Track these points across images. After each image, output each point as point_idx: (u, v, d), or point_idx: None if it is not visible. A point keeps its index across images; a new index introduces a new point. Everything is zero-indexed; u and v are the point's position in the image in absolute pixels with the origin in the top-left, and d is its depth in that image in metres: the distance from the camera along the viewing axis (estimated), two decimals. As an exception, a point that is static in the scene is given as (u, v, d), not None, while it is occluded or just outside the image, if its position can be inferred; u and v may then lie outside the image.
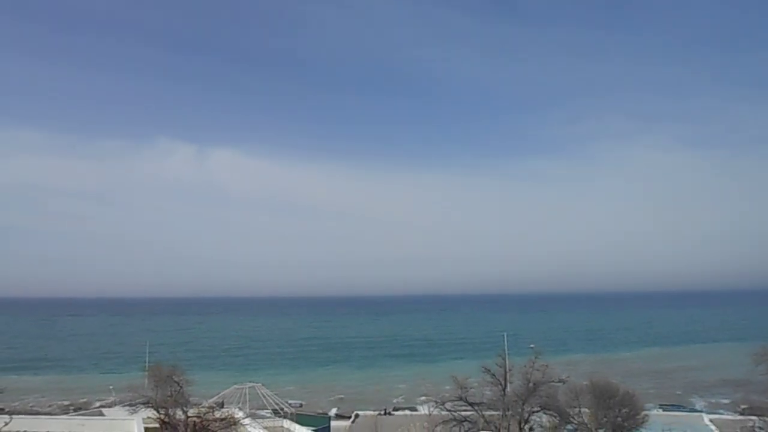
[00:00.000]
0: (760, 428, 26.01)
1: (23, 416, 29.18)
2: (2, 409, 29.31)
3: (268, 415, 54.05)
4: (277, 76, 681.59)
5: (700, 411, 61.53)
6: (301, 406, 67.40)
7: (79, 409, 62.29)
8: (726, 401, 72.63)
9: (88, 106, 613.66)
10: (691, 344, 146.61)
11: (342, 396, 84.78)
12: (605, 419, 43.65)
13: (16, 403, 62.13)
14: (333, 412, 69.73)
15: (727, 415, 54.52)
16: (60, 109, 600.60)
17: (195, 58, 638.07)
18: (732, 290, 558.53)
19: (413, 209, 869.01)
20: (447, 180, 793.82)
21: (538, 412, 39.88)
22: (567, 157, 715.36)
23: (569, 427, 42.48)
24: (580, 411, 44.19)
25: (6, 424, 15.12)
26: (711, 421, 51.08)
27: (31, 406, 65.55)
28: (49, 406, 70.43)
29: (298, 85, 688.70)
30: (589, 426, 42.31)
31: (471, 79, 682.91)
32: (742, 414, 42.51)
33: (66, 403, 72.16)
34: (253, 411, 51.04)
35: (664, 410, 59.65)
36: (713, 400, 76.11)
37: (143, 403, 32.18)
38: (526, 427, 38.66)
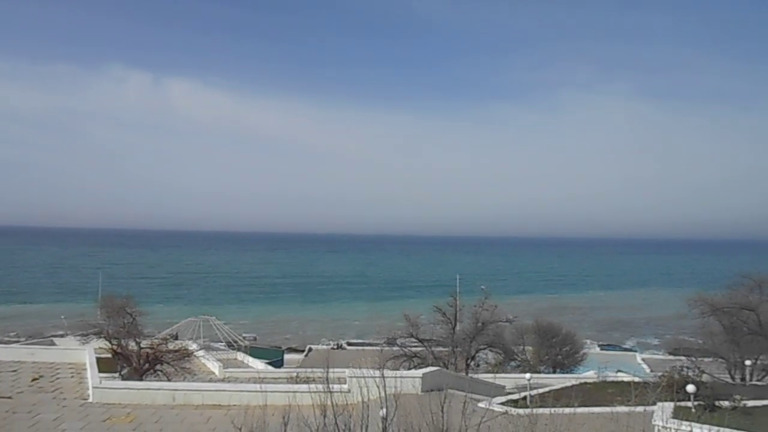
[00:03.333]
0: (687, 367, 27.89)
1: (-29, 344, 28.83)
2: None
3: (222, 347, 54.86)
4: (238, 6, 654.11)
5: (634, 350, 65.33)
6: (255, 339, 68.43)
7: (30, 338, 61.81)
8: (658, 342, 77.17)
9: (35, 27, 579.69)
10: (635, 289, 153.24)
11: (296, 331, 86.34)
12: (547, 357, 46.03)
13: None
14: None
15: (658, 354, 58.26)
16: (2, 30, 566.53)
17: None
18: (697, 239, 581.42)
19: (376, 148, 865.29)
20: (410, 121, 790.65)
21: (484, 349, 41.69)
22: (532, 103, 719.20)
23: (513, 363, 44.63)
24: (524, 349, 46.42)
25: None
26: (643, 360, 54.53)
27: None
28: (0, 335, 69.62)
29: (261, 18, 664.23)
30: (531, 362, 44.56)
31: (437, 20, 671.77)
32: (671, 354, 45.34)
33: (16, 332, 71.49)
34: (206, 343, 51.68)
35: (601, 349, 63.12)
36: (647, 341, 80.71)
37: (95, 334, 32.25)
38: (472, 363, 40.40)
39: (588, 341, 62.34)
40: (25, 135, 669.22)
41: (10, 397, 20.67)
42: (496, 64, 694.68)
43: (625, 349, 67.30)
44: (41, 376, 23.87)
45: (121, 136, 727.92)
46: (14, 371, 24.57)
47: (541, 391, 24.75)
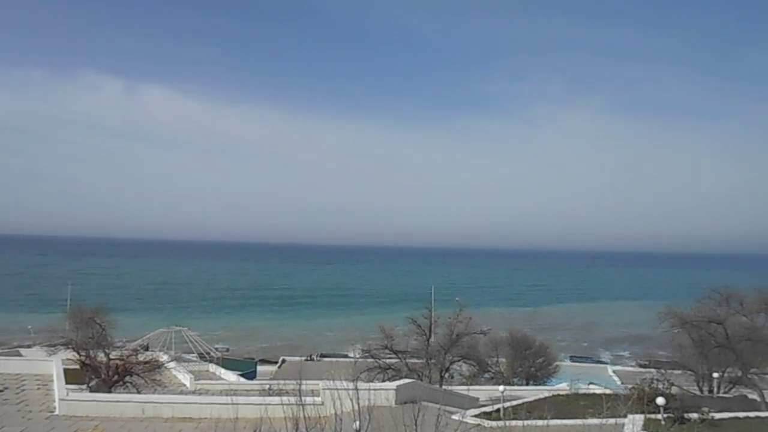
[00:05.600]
0: (657, 380, 28.31)
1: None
2: None
3: (194, 359, 54.03)
4: (215, 14, 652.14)
5: (606, 363, 66.14)
6: (227, 350, 67.59)
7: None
8: (628, 354, 78.18)
9: (6, 31, 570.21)
10: (609, 301, 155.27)
11: (269, 342, 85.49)
12: (520, 369, 46.31)
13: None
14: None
15: (629, 367, 59.03)
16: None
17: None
18: (674, 253, 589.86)
19: (353, 158, 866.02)
20: (387, 131, 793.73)
21: (458, 361, 41.77)
22: (506, 115, 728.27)
23: (487, 375, 44.78)
24: (498, 361, 46.66)
25: None
26: (614, 372, 55.19)
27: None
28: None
29: (238, 27, 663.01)
30: (505, 374, 44.76)
31: (413, 32, 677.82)
32: (642, 366, 46.00)
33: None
34: (178, 354, 50.88)
35: (573, 361, 63.76)
36: (618, 353, 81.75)
37: (63, 344, 31.56)
38: (446, 374, 40.42)
39: (561, 354, 62.94)
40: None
41: (-28, 410, 20.08)
42: (472, 76, 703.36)
43: (597, 362, 68.05)
44: (6, 388, 23.24)
45: (95, 142, 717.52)
46: (-23, 383, 23.90)
47: (514, 403, 24.82)
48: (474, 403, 28.01)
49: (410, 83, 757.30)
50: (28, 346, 51.17)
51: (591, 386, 37.45)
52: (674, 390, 26.09)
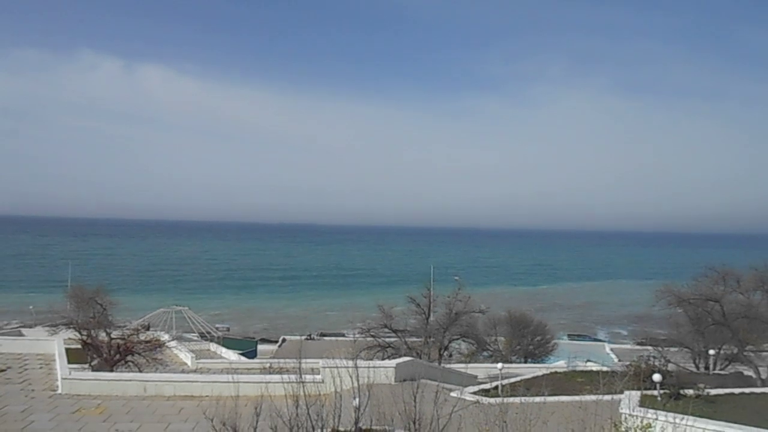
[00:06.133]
0: (654, 357, 28.63)
1: (-66, 335, 28.20)
2: None
3: (195, 338, 54.40)
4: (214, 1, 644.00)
5: (603, 341, 66.65)
6: (228, 330, 68.03)
7: (-4, 329, 60.49)
8: (626, 333, 78.70)
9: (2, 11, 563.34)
10: (607, 280, 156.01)
11: (270, 322, 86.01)
12: (518, 347, 46.68)
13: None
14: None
15: (626, 345, 59.50)
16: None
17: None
18: (675, 232, 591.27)
19: (355, 140, 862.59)
20: (388, 113, 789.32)
21: (457, 339, 42.06)
22: (507, 95, 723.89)
23: (485, 353, 45.14)
24: (496, 339, 46.99)
25: None
26: (612, 350, 55.68)
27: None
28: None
29: (240, 9, 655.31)
30: (503, 353, 45.14)
31: (411, 12, 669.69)
32: (639, 344, 46.37)
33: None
34: (179, 334, 51.20)
35: (571, 339, 64.26)
36: (616, 331, 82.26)
37: (64, 324, 31.69)
38: (445, 353, 40.74)
39: (559, 332, 63.39)
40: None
41: (-24, 389, 20.28)
42: (472, 57, 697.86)
43: (595, 340, 68.57)
44: (9, 368, 23.46)
45: (93, 123, 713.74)
46: (-20, 363, 24.12)
47: (512, 380, 25.13)
48: (472, 380, 28.34)
49: (412, 65, 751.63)
50: (30, 326, 51.48)
51: (588, 363, 37.86)
52: (671, 367, 26.37)
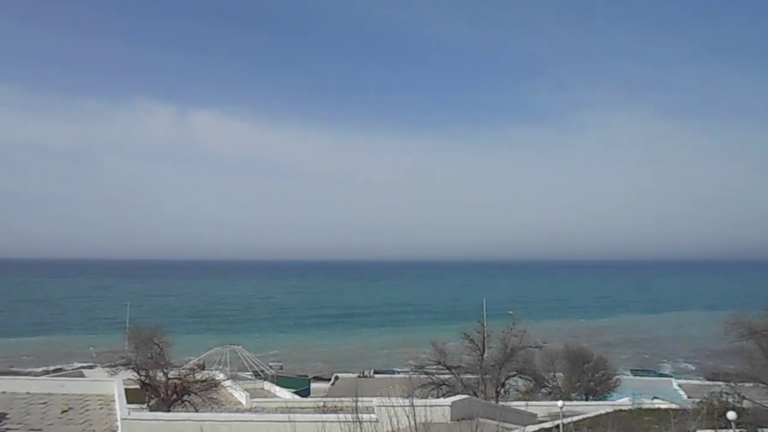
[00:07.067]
0: (727, 393, 26.89)
1: (3, 377, 29.19)
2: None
3: (249, 377, 54.71)
4: (259, 38, 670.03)
5: (669, 376, 63.44)
6: (281, 368, 68.16)
7: (59, 369, 62.41)
8: (693, 367, 74.81)
9: (66, 64, 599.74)
10: (668, 312, 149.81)
11: (322, 359, 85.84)
12: (578, 383, 44.91)
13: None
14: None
15: (695, 380, 56.40)
16: (38, 67, 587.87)
17: (171, 18, 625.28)
18: (720, 259, 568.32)
19: (396, 174, 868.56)
20: (433, 147, 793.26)
21: (514, 376, 40.81)
22: (552, 125, 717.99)
23: (544, 390, 43.61)
24: (554, 375, 45.37)
25: None
26: (680, 385, 52.81)
27: (11, 368, 65.47)
28: (30, 367, 70.48)
29: (283, 48, 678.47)
30: (562, 389, 43.49)
31: (458, 47, 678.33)
32: (710, 379, 43.82)
33: (47, 365, 72.21)
34: (234, 373, 51.59)
35: (634, 375, 61.42)
36: (682, 366, 78.40)
37: (123, 365, 32.31)
38: (502, 390, 39.54)
39: (621, 367, 60.79)
40: (55, 168, 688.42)
41: (40, 430, 20.76)
42: (515, 87, 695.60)
43: (661, 375, 65.41)
44: (71, 408, 23.97)
45: (147, 168, 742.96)
46: (44, 403, 24.75)
47: (574, 419, 24.07)
48: (532, 419, 27.28)
49: (453, 97, 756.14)
50: (91, 367, 52.91)
51: (655, 401, 36.02)
52: (746, 404, 24.73)
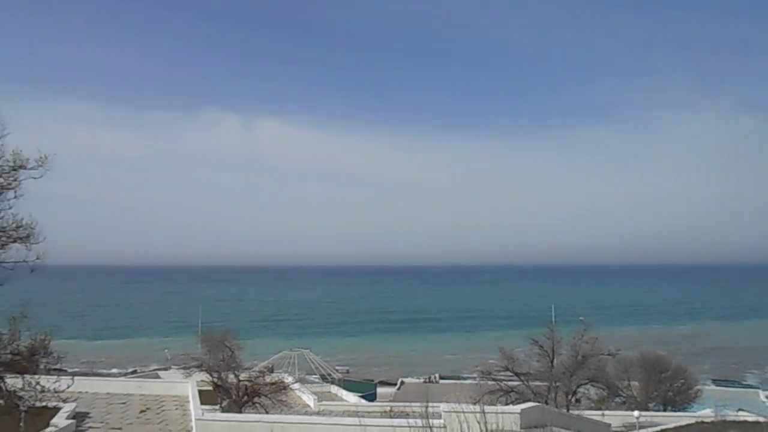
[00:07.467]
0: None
1: (85, 378, 30.68)
2: (65, 371, 30.85)
3: (317, 380, 55.35)
4: (322, 47, 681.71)
5: (756, 387, 59.66)
6: (348, 372, 68.66)
7: (136, 371, 65.18)
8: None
9: (137, 78, 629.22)
10: (754, 319, 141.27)
11: (388, 364, 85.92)
12: (656, 393, 42.90)
13: (78, 367, 65.31)
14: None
15: (786, 392, 52.75)
16: (110, 82, 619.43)
17: (240, 29, 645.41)
18: None
19: (461, 179, 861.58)
20: (493, 150, 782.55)
21: (586, 384, 39.45)
22: (621, 124, 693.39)
23: (618, 399, 41.94)
24: (629, 384, 43.52)
25: (69, 386, 16.27)
26: (767, 397, 49.53)
27: (92, 369, 68.89)
28: (109, 368, 73.97)
29: (344, 56, 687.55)
30: (638, 399, 41.67)
31: (519, 47, 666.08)
32: (801, 391, 40.97)
33: (125, 367, 75.58)
34: (301, 376, 52.35)
35: (717, 385, 58.09)
36: (769, 377, 73.69)
37: (197, 367, 33.35)
38: (573, 398, 38.29)
39: (702, 377, 57.67)
40: (129, 179, 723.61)
41: (120, 429, 21.62)
42: (584, 85, 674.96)
43: (746, 386, 61.67)
44: (148, 409, 24.89)
45: (215, 177, 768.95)
46: (123, 403, 25.81)
47: (651, 430, 23.02)
48: (606, 429, 26.24)
49: (513, 100, 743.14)
50: (166, 369, 54.92)
51: (741, 413, 33.87)
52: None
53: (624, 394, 42.57)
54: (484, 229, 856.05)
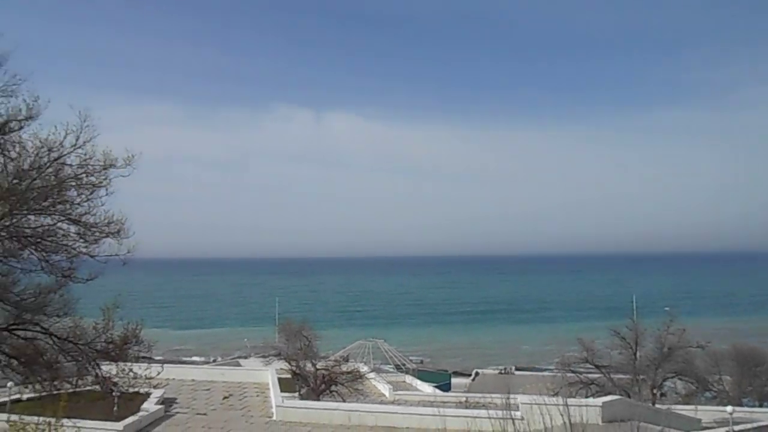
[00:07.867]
0: None
1: (172, 365, 32.24)
2: (155, 359, 32.73)
3: (391, 370, 55.78)
4: (391, 37, 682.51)
5: None
6: (422, 362, 68.76)
7: (217, 360, 67.85)
8: None
9: (210, 78, 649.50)
10: None
11: (462, 354, 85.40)
12: (750, 388, 40.50)
13: (164, 355, 68.58)
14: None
15: None
16: (185, 83, 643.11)
17: (310, 21, 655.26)
18: None
19: (535, 167, 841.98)
20: (566, 136, 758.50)
21: (672, 377, 37.77)
22: (702, 106, 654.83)
23: (708, 394, 39.88)
24: (720, 378, 41.28)
25: (159, 373, 17.39)
26: None
27: (177, 357, 72.30)
28: (192, 357, 77.30)
29: (414, 47, 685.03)
30: (730, 394, 39.46)
31: (590, 23, 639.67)
32: None
33: (208, 356, 78.74)
34: (376, 366, 52.87)
35: None
36: None
37: (275, 356, 34.36)
38: (659, 393, 36.75)
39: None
40: (204, 175, 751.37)
41: (205, 414, 22.54)
42: (667, 64, 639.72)
43: None
44: (231, 395, 25.81)
45: (288, 171, 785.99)
46: (207, 390, 26.88)
47: (747, 426, 21.68)
48: (696, 425, 24.97)
49: (586, 81, 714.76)
50: (246, 357, 56.84)
51: None
52: None
53: (715, 389, 40.43)
54: (565, 217, 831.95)
